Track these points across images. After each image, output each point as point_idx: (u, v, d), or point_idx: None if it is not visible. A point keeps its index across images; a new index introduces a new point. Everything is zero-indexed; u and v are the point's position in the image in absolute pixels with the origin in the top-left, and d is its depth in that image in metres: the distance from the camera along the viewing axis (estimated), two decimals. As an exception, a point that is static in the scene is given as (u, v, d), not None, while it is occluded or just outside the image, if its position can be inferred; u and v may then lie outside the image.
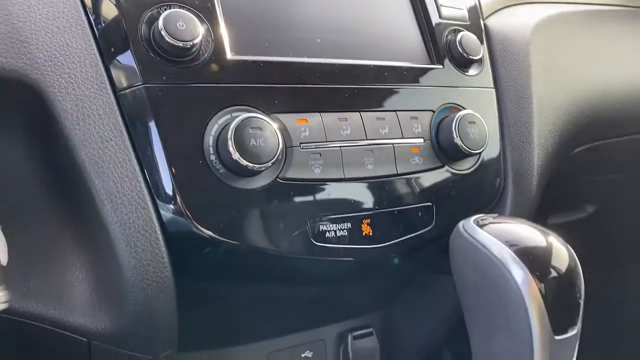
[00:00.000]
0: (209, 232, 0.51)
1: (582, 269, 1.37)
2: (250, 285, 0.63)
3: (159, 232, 0.50)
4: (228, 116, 0.52)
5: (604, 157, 0.88)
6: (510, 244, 0.41)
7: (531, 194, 0.70)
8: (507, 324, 0.40)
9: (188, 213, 0.50)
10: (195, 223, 0.50)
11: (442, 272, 0.55)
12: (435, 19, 0.68)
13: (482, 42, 0.70)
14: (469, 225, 0.44)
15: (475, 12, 0.73)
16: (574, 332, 0.40)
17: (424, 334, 0.79)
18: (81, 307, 0.52)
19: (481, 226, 0.43)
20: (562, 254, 0.42)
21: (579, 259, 1.34)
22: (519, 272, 0.40)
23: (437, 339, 0.78)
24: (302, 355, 0.76)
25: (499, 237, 0.42)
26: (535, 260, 0.40)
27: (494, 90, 0.70)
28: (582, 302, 0.41)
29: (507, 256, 0.40)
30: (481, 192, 0.66)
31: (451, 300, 0.52)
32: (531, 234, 0.43)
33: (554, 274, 0.41)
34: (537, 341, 0.39)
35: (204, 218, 0.51)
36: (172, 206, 0.50)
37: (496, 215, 0.46)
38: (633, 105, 0.86)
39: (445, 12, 0.69)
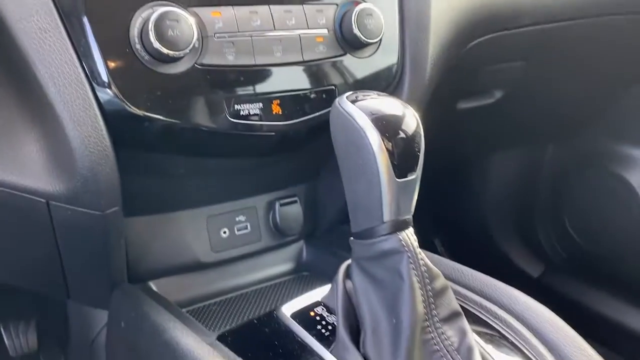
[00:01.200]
0: (139, 111, 0.61)
1: (496, 152, 1.53)
2: (184, 157, 0.75)
3: (97, 110, 0.60)
4: (150, 10, 0.60)
5: (504, 47, 0.99)
6: (371, 114, 0.53)
7: (424, 81, 0.81)
8: (364, 173, 0.53)
9: (120, 94, 0.60)
10: (126, 102, 0.61)
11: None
12: None
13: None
14: (342, 100, 0.55)
15: None
16: (412, 176, 0.54)
17: (340, 200, 0.93)
18: (38, 173, 0.63)
19: (352, 101, 0.55)
20: (410, 121, 0.54)
21: (490, 142, 1.50)
22: (373, 135, 0.52)
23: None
24: (237, 219, 0.90)
25: (363, 108, 0.53)
26: (387, 125, 0.53)
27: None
28: (420, 154, 0.54)
29: (366, 123, 0.53)
30: (379, 78, 0.77)
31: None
32: (389, 107, 0.55)
33: (401, 135, 0.53)
34: (384, 183, 0.52)
35: (134, 98, 0.61)
36: (106, 88, 0.60)
37: (369, 92, 0.57)
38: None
39: None
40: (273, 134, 0.70)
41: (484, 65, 1.02)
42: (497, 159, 1.59)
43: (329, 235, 0.97)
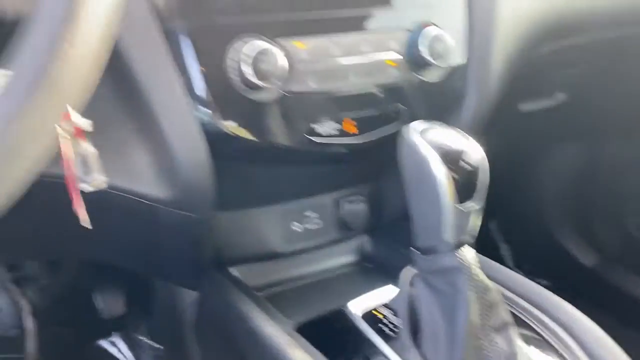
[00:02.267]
0: (234, 131, 0.71)
1: (556, 147, 1.55)
2: (270, 168, 0.85)
3: (197, 129, 0.70)
4: (241, 42, 0.69)
5: (567, 54, 1.02)
6: (437, 147, 0.60)
7: (490, 98, 0.87)
8: (428, 198, 0.60)
9: (215, 116, 0.70)
10: (221, 123, 0.70)
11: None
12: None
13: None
14: (410, 130, 0.62)
15: None
16: (471, 204, 0.61)
17: (401, 200, 1.01)
18: (148, 182, 0.73)
19: (418, 132, 0.62)
20: (474, 153, 0.60)
21: (550, 142, 1.52)
22: (438, 168, 0.59)
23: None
24: (307, 214, 0.99)
25: (429, 141, 0.60)
26: (452, 158, 0.59)
27: (464, 3, 0.84)
28: (483, 186, 0.61)
29: (431, 155, 0.59)
30: (446, 98, 0.83)
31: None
32: (453, 139, 0.61)
33: (465, 167, 0.59)
34: (445, 208, 0.60)
35: (228, 120, 0.71)
36: (207, 110, 0.70)
37: (434, 123, 0.64)
38: (595, 8, 0.97)
39: None
40: (345, 149, 0.79)
41: (549, 71, 1.05)
42: (557, 154, 1.61)
43: (391, 231, 1.05)
